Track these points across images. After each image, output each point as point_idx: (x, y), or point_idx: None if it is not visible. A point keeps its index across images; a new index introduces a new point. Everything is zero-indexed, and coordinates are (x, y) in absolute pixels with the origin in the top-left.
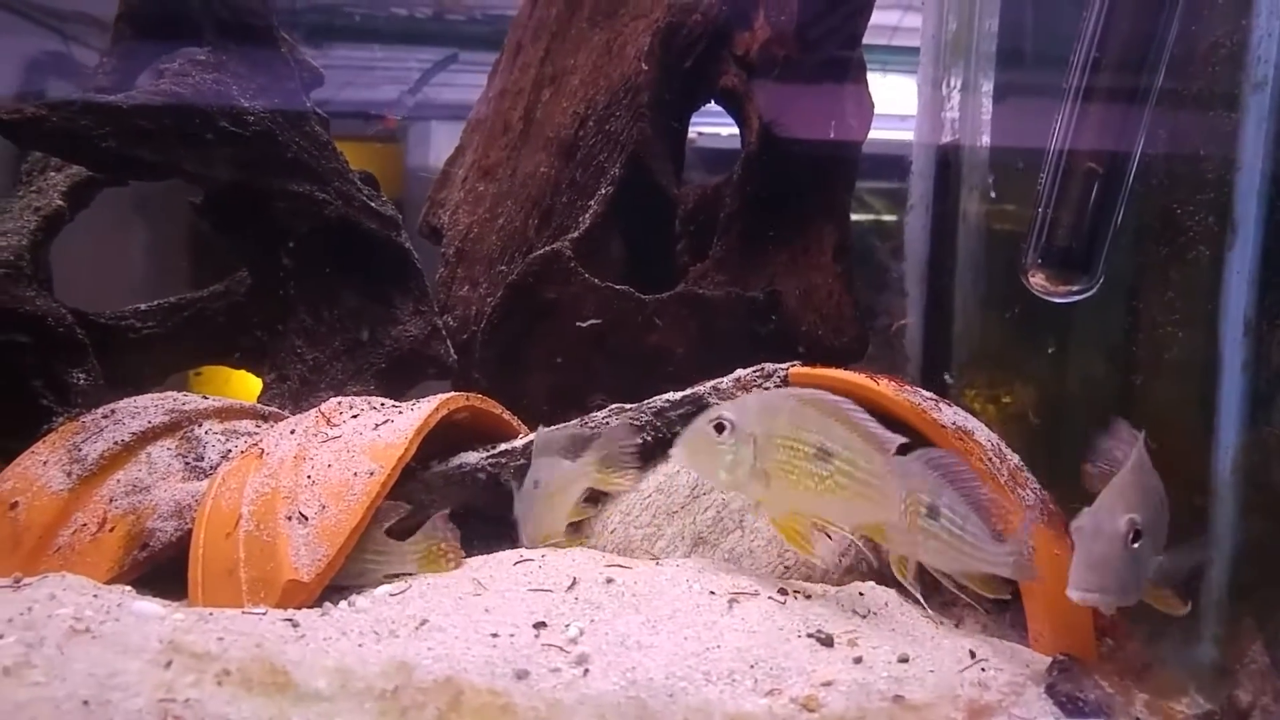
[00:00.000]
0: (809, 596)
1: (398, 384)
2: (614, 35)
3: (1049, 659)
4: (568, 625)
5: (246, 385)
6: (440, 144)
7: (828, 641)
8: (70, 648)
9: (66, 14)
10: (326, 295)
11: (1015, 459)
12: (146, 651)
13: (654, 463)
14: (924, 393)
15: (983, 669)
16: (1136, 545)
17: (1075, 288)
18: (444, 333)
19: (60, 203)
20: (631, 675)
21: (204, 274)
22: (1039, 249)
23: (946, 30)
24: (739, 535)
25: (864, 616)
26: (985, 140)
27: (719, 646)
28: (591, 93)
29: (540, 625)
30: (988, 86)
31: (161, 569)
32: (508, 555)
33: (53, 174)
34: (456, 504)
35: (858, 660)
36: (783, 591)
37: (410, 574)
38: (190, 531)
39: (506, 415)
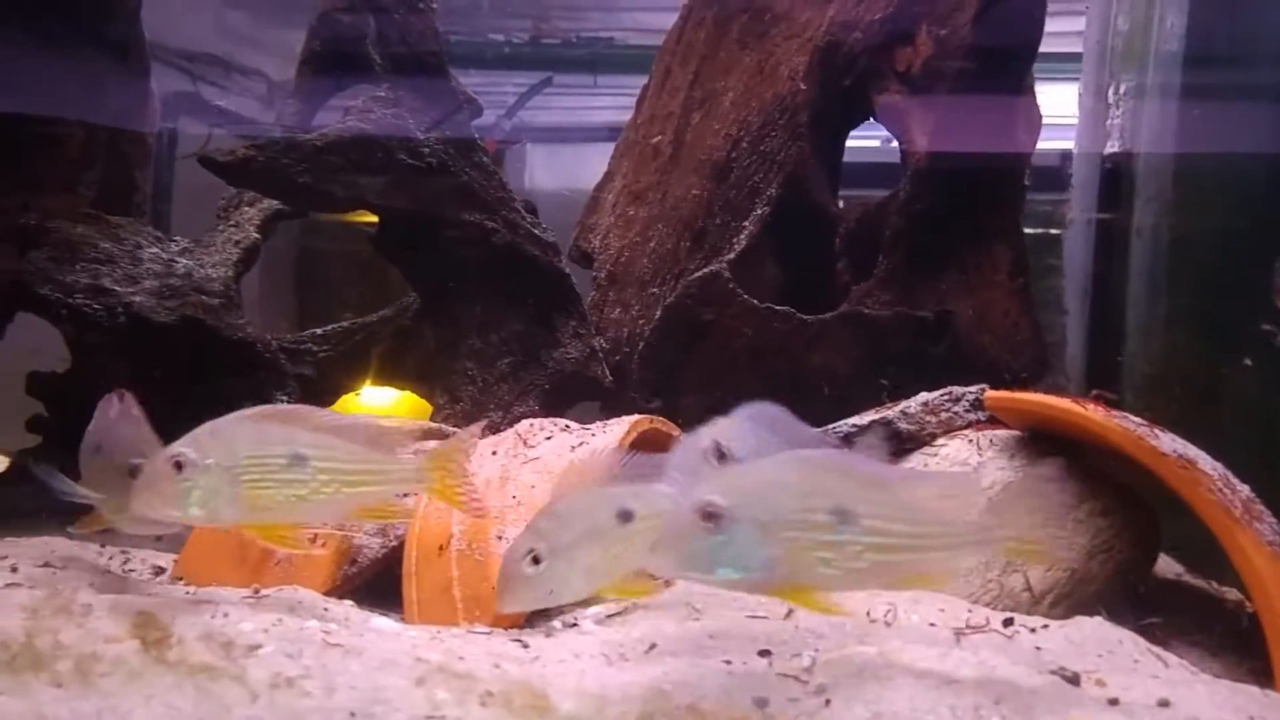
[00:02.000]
0: (1033, 630)
1: (556, 405)
2: (765, 56)
3: None
4: (798, 654)
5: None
6: (536, 166)
7: (1073, 679)
8: (328, 661)
9: (196, 55)
10: (494, 319)
11: (1246, 490)
12: (401, 667)
13: None
14: (1135, 419)
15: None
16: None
17: None
18: (601, 355)
19: (256, 235)
20: (875, 708)
21: (308, 296)
22: None
23: (1114, 33)
24: None
25: (1099, 654)
26: (1167, 147)
27: (958, 680)
28: (744, 114)
29: (765, 653)
30: (1171, 89)
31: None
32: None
33: (246, 209)
34: None
35: (1113, 701)
36: (1008, 623)
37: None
38: (394, 549)
39: (679, 436)
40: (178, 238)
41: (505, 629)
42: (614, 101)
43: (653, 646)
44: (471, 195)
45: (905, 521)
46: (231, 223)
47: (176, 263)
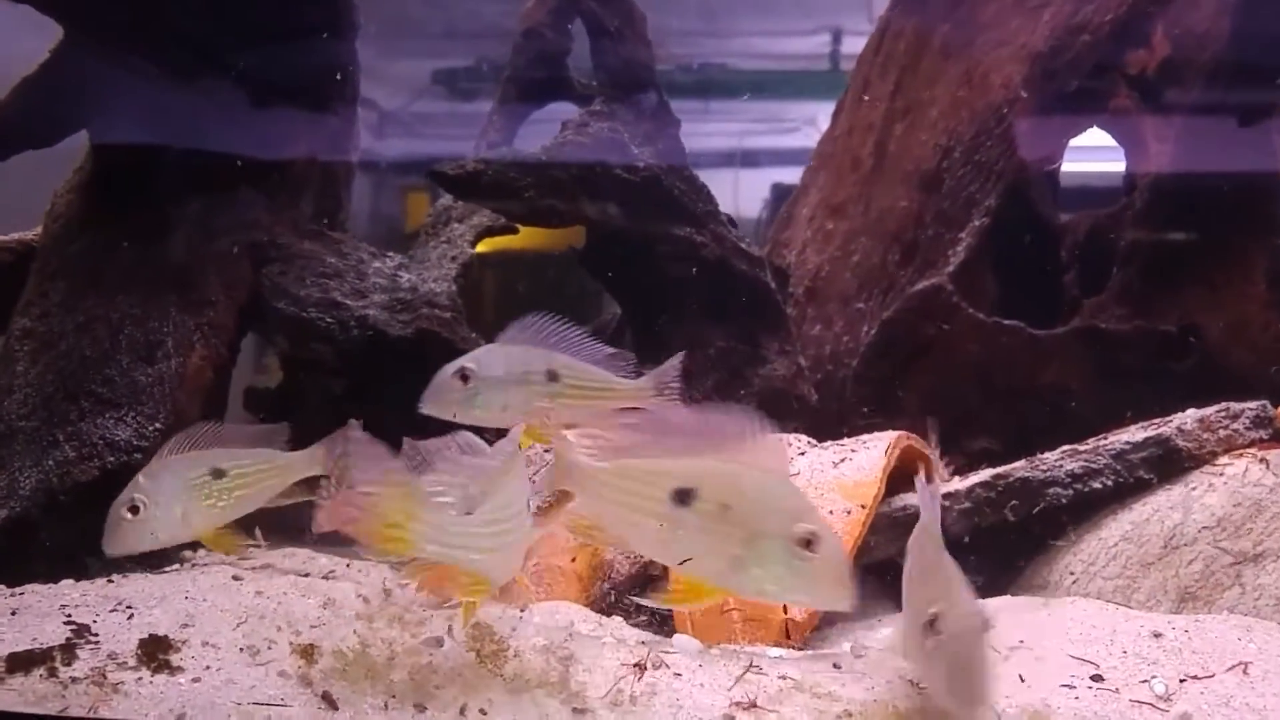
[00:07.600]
0: None
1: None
2: (973, 65)
3: None
4: (1149, 680)
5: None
6: None
7: None
8: (656, 680)
9: None
10: (701, 335)
11: None
12: (721, 688)
13: (1109, 510)
14: None
15: None
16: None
17: None
18: (807, 372)
19: (470, 250)
20: None
21: None
22: None
23: None
24: (1238, 593)
25: None
26: None
27: None
28: (953, 124)
29: (1097, 679)
30: None
31: None
32: (1004, 602)
33: (456, 225)
34: (897, 547)
35: None
36: None
37: None
38: (646, 564)
39: (930, 455)
40: (390, 253)
41: (789, 648)
42: (726, 127)
43: None
44: (681, 208)
45: None
46: (443, 239)
47: (400, 277)
